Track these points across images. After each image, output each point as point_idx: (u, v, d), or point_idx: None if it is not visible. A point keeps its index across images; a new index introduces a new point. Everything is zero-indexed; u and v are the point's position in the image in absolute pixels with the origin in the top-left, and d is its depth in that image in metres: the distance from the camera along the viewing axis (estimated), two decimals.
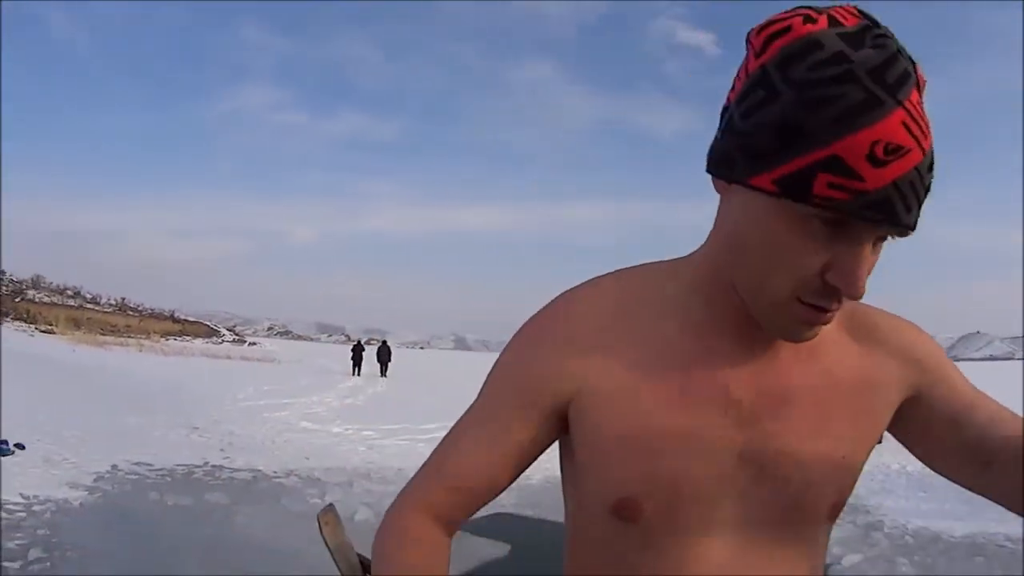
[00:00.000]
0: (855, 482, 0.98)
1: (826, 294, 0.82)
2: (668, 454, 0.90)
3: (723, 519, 0.91)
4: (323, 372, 34.57)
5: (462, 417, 1.02)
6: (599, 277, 1.02)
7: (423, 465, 1.02)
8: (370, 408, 17.75)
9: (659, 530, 0.92)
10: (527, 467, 1.00)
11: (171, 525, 5.80)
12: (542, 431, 0.97)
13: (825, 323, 0.86)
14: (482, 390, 1.01)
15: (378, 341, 38.95)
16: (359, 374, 33.48)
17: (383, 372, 34.27)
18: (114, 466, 7.74)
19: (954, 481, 0.97)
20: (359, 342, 37.03)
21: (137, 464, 8.02)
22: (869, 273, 0.82)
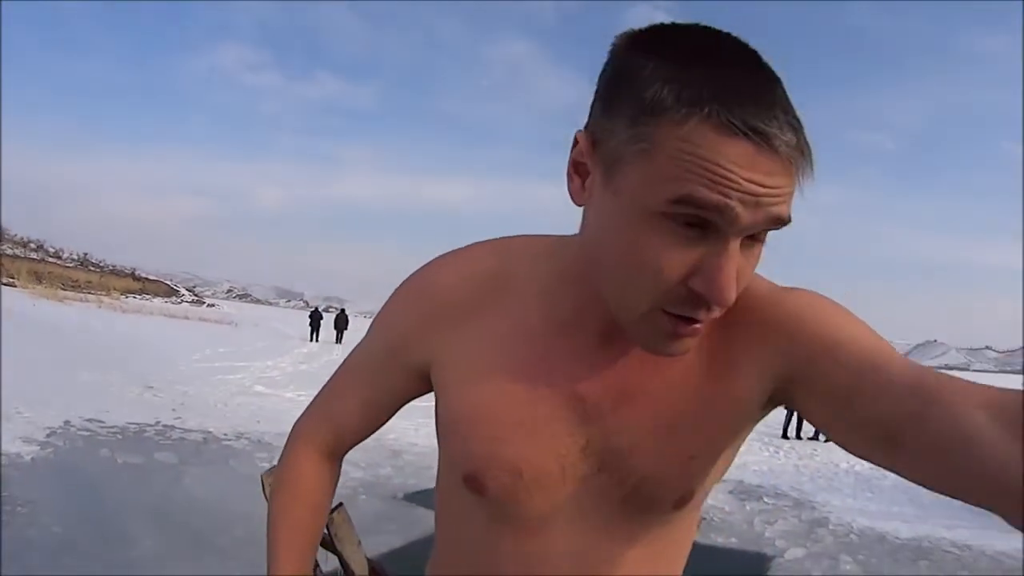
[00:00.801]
0: (714, 475, 0.94)
1: (692, 303, 0.75)
2: (509, 441, 0.91)
3: (565, 503, 0.93)
4: (280, 337, 34.39)
5: (346, 359, 1.10)
6: (478, 244, 1.01)
7: (311, 403, 1.14)
8: (325, 374, 17.28)
9: (505, 508, 0.94)
10: (399, 409, 1.10)
11: (120, 483, 5.86)
12: (409, 383, 1.04)
13: (694, 335, 0.79)
14: (365, 335, 1.09)
15: (336, 309, 38.87)
16: (317, 340, 33.57)
17: (339, 339, 34.38)
18: (67, 422, 7.74)
19: (879, 465, 0.77)
20: (317, 309, 37.10)
21: (90, 421, 8.02)
22: (744, 277, 0.76)
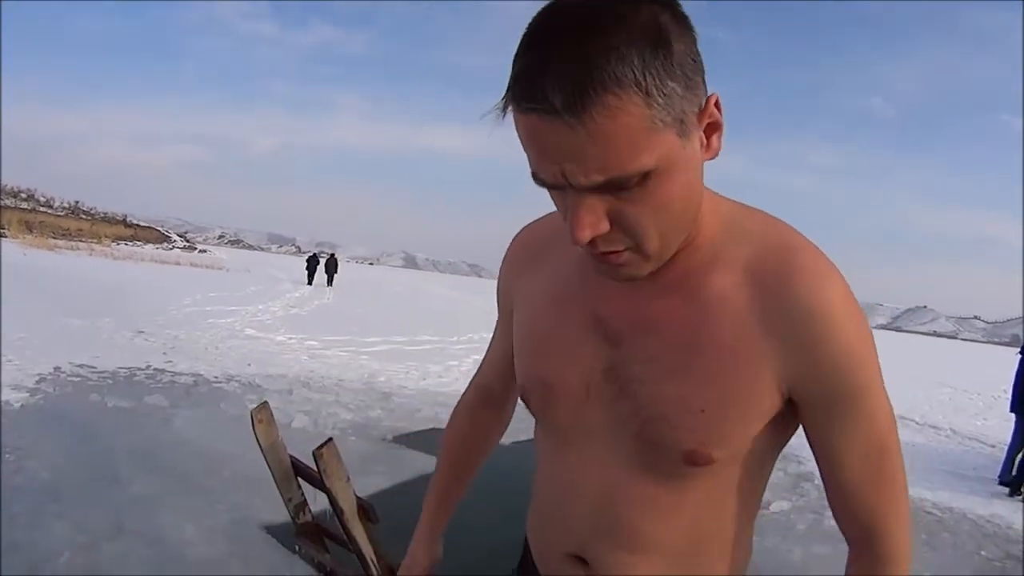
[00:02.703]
0: (725, 441, 0.93)
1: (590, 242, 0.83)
2: (544, 357, 1.04)
3: (590, 423, 1.00)
4: (271, 281, 34.31)
5: None
6: (553, 212, 1.00)
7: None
8: (315, 319, 17.65)
9: (544, 420, 1.09)
10: None
11: (109, 427, 5.72)
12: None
13: (621, 264, 0.86)
14: None
15: (327, 254, 38.92)
16: (312, 284, 34.07)
17: (330, 282, 34.63)
18: (57, 368, 7.57)
19: None
20: (314, 254, 37.56)
21: (80, 366, 7.85)
22: (626, 220, 0.81)
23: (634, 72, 0.71)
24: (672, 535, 1.01)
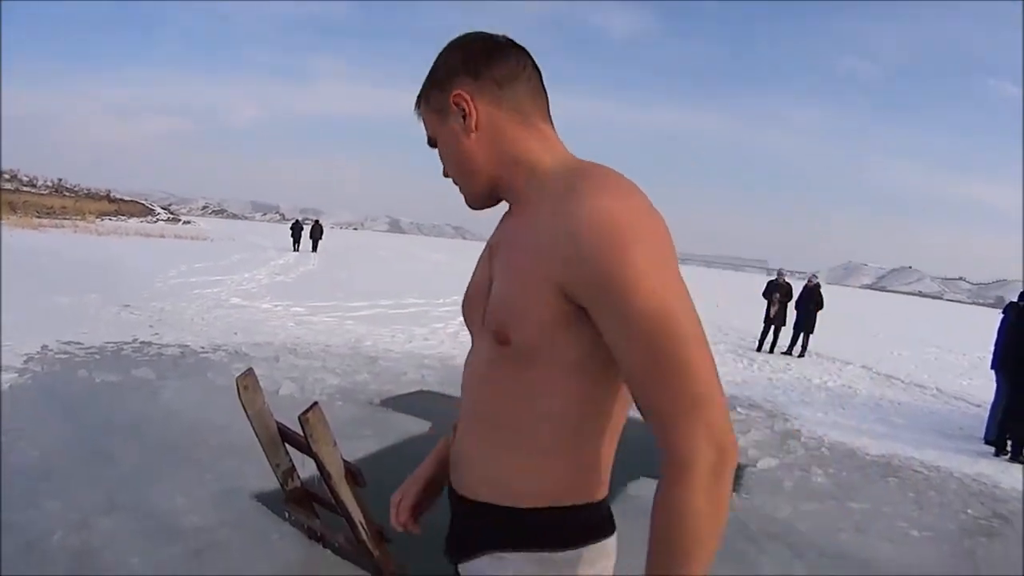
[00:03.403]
0: (517, 325, 1.14)
1: None
2: (471, 281, 1.35)
3: (480, 324, 1.27)
4: (256, 250, 34.08)
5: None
6: None
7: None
8: (300, 285, 17.59)
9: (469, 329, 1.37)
10: None
11: (98, 403, 5.72)
12: None
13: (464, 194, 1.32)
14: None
15: (311, 221, 38.78)
16: (298, 250, 34.03)
17: (314, 248, 34.47)
18: (44, 346, 7.53)
19: None
20: (298, 221, 37.43)
21: (67, 344, 7.82)
22: (444, 158, 1.30)
23: (426, 90, 1.29)
24: (510, 411, 1.21)
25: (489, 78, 1.22)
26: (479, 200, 1.31)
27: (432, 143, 1.31)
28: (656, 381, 1.04)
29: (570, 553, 1.19)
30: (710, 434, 1.01)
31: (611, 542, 1.25)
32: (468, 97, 1.22)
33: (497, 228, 1.32)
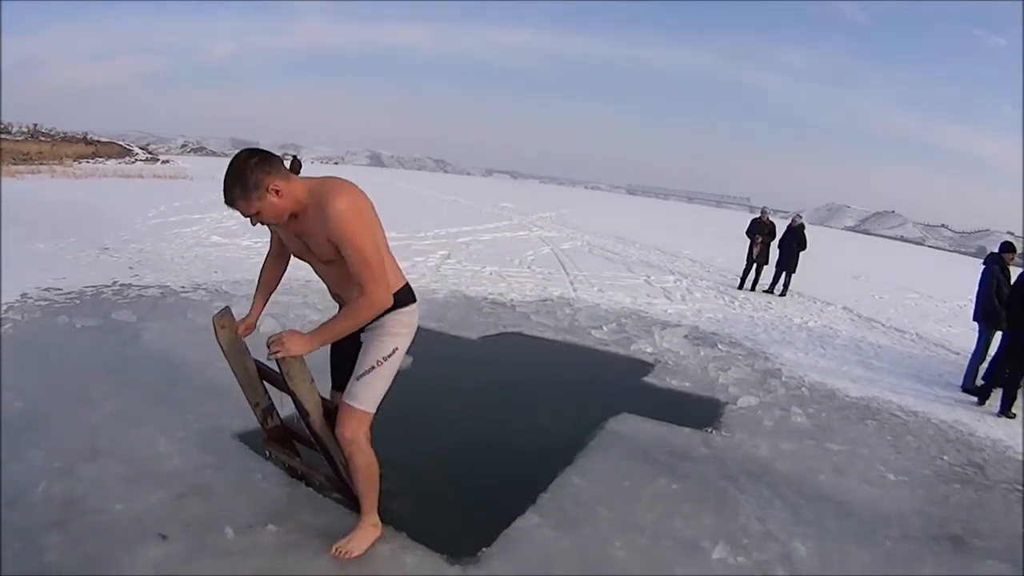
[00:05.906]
0: (325, 254, 2.86)
1: None
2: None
3: (309, 257, 3.00)
4: None
5: None
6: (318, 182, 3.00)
7: None
8: None
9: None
10: None
11: (79, 348, 5.57)
12: None
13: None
14: None
15: (291, 156, 38.01)
16: None
17: None
18: (23, 295, 7.26)
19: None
20: (280, 156, 36.49)
21: (47, 290, 7.57)
22: (262, 216, 2.79)
23: (241, 189, 2.71)
24: (339, 282, 3.00)
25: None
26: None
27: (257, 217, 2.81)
28: (357, 272, 2.75)
29: (411, 307, 3.16)
30: (373, 291, 2.77)
31: (416, 305, 3.20)
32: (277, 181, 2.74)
33: (290, 223, 2.86)
